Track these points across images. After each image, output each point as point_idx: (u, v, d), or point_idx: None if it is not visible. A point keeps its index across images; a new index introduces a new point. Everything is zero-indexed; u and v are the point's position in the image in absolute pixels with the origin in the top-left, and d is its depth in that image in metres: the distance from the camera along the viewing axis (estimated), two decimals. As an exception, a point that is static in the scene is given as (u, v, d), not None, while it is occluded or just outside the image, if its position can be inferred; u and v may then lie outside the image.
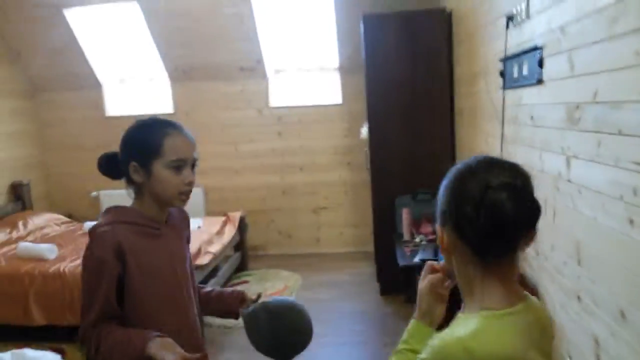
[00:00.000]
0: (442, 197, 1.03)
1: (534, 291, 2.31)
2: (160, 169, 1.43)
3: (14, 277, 3.56)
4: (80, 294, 1.43)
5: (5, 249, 4.05)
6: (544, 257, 2.21)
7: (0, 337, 3.52)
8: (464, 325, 0.97)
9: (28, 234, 4.44)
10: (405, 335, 1.12)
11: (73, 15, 5.04)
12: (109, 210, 1.50)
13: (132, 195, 1.51)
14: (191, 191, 1.50)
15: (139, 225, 1.47)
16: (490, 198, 0.94)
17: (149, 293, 1.44)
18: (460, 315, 1.03)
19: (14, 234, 4.37)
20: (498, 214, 0.94)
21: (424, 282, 1.14)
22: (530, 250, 2.40)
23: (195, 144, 1.51)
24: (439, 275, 1.14)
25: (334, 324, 3.80)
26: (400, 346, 1.11)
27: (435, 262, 1.17)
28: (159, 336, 1.33)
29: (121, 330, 1.38)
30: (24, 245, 3.93)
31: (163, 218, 1.54)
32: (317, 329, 3.65)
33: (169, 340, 1.33)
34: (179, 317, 1.51)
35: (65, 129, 5.57)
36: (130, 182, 1.48)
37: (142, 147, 1.44)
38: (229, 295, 1.69)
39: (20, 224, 4.54)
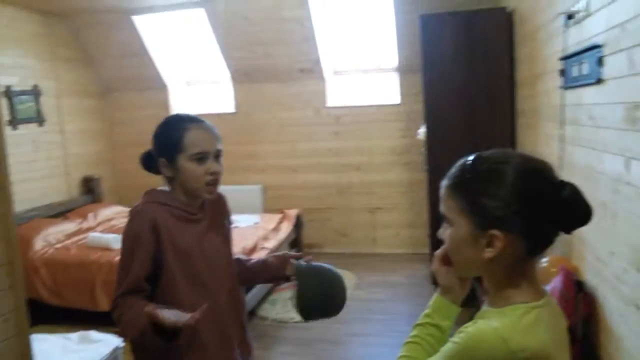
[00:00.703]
0: (497, 198, 0.95)
1: (592, 299, 2.22)
2: (184, 163, 1.50)
3: (83, 264, 3.81)
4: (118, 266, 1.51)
5: (76, 239, 4.33)
6: (603, 263, 2.13)
7: (69, 319, 3.78)
8: (497, 317, 0.96)
9: (97, 225, 4.72)
10: (428, 310, 1.11)
11: (141, 21, 5.30)
12: (147, 192, 1.60)
13: (168, 187, 1.59)
14: (217, 181, 1.55)
15: (174, 207, 1.54)
16: (566, 196, 0.95)
17: (180, 273, 1.51)
18: (487, 309, 1.02)
19: (84, 225, 4.66)
20: (576, 211, 0.95)
21: (433, 263, 1.14)
22: (589, 256, 2.32)
23: (217, 137, 1.56)
24: (441, 249, 1.11)
25: (387, 324, 3.79)
26: (423, 320, 1.10)
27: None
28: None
29: (142, 302, 1.44)
30: (93, 235, 4.18)
31: (196, 206, 1.60)
32: (369, 328, 3.71)
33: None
34: (207, 300, 1.51)
35: (133, 128, 5.84)
36: (164, 176, 1.58)
37: (166, 144, 1.53)
38: (273, 260, 1.73)
39: (90, 215, 4.83)
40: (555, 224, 0.97)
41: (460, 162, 1.03)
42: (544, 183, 0.96)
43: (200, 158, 1.50)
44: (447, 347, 0.97)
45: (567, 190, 0.95)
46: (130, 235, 1.49)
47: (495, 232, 0.95)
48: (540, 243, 0.99)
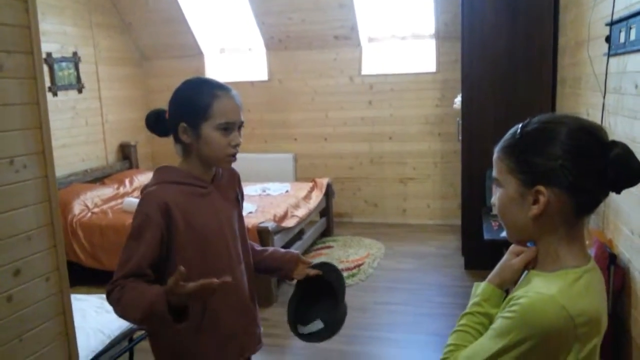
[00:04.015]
0: (546, 154, 0.96)
1: (625, 272, 2.17)
2: (209, 131, 1.43)
3: (118, 228, 3.92)
4: (121, 249, 1.43)
5: (112, 203, 4.45)
6: (638, 235, 2.07)
7: (105, 281, 3.83)
8: (549, 283, 0.95)
9: (133, 191, 4.83)
10: (477, 298, 1.08)
11: (179, -14, 5.30)
12: (157, 170, 1.53)
13: (180, 153, 1.52)
14: (237, 153, 1.49)
15: (185, 184, 1.48)
16: (615, 154, 0.93)
17: (196, 250, 1.46)
18: (536, 273, 1.01)
19: (121, 190, 4.77)
20: (626, 170, 0.94)
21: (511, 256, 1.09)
22: (624, 229, 2.26)
23: (241, 107, 1.50)
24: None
25: (415, 294, 3.80)
26: (473, 308, 1.07)
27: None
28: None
29: (140, 284, 1.36)
30: (128, 200, 4.30)
31: (209, 177, 1.54)
32: (397, 297, 3.72)
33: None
34: (224, 275, 1.45)
35: (169, 95, 5.80)
36: (178, 141, 1.49)
37: (192, 109, 1.44)
38: (282, 255, 1.69)
39: (126, 181, 4.94)
40: (603, 183, 0.96)
41: (513, 128, 1.05)
42: (593, 141, 0.96)
43: (226, 128, 1.44)
44: (501, 323, 0.96)
45: (617, 148, 0.94)
46: (139, 218, 1.41)
47: (540, 187, 0.96)
48: (587, 202, 0.98)
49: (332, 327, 1.61)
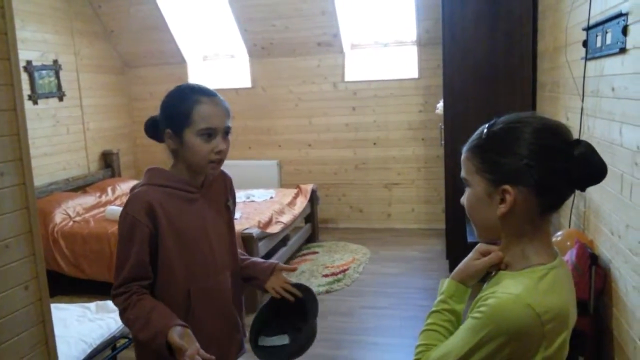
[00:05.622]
0: (511, 154, 0.97)
1: (606, 272, 2.20)
2: (190, 137, 1.43)
3: (101, 237, 3.87)
4: (115, 253, 1.46)
5: (94, 212, 4.40)
6: (618, 236, 2.09)
7: (87, 290, 3.87)
8: (516, 282, 0.97)
9: (116, 199, 4.78)
10: (442, 296, 1.10)
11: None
12: (147, 171, 1.53)
13: (171, 158, 1.53)
14: (222, 159, 1.49)
15: (173, 188, 1.48)
16: (579, 153, 0.95)
17: (179, 254, 1.47)
18: (505, 273, 1.02)
19: (103, 198, 4.72)
20: (589, 168, 0.96)
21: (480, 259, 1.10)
22: (604, 229, 2.29)
23: (228, 113, 1.49)
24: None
25: (400, 298, 3.81)
26: (439, 306, 1.09)
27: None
28: (180, 325, 1.35)
29: (149, 303, 1.40)
30: (111, 208, 4.24)
31: (198, 182, 1.54)
32: (382, 301, 3.72)
33: (189, 332, 1.34)
34: (208, 280, 1.52)
35: (152, 103, 5.85)
36: (167, 147, 1.50)
37: (174, 115, 1.45)
38: (259, 264, 1.69)
39: (109, 189, 4.89)
40: (568, 181, 0.97)
41: (479, 128, 1.06)
42: (558, 140, 0.98)
43: (209, 134, 1.43)
44: (470, 323, 0.97)
45: (580, 147, 0.96)
46: (126, 219, 1.43)
47: (506, 186, 0.98)
48: (553, 200, 1.00)
49: (296, 348, 1.54)
